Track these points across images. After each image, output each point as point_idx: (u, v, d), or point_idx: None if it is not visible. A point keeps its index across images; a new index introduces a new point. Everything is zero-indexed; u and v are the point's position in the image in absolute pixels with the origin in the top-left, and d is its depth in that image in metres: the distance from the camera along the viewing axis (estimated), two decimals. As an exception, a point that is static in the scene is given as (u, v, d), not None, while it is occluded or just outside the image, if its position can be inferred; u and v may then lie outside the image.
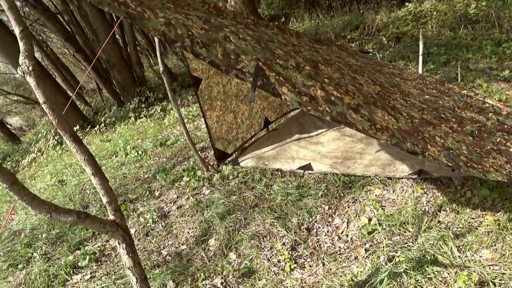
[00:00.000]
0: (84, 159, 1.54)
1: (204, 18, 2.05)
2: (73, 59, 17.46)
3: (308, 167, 3.98)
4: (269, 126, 5.26)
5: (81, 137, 6.63)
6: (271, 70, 1.95)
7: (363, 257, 2.67)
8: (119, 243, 1.61)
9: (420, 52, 4.62)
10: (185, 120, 6.97)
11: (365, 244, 2.78)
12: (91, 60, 11.47)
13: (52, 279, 3.65)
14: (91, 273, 3.54)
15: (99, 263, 3.67)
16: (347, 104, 2.05)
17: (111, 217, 1.61)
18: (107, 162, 6.11)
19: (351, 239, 2.89)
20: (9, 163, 9.30)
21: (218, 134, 4.53)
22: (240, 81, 4.64)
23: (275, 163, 4.24)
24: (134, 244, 1.70)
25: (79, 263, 3.72)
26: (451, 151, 2.13)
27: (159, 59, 3.99)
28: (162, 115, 7.99)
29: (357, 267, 2.60)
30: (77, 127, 8.98)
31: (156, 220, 3.91)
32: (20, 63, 1.41)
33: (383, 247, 2.66)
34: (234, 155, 4.78)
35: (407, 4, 9.39)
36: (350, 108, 2.02)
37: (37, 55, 11.57)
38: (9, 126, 19.24)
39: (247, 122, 4.91)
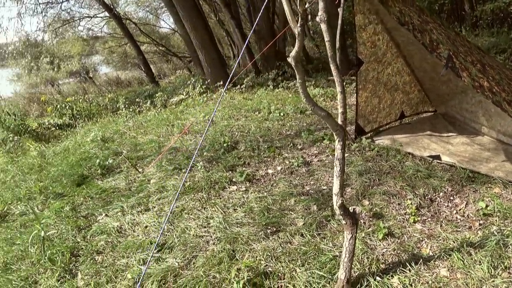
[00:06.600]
0: (338, 81, 2.41)
1: (418, 13, 2.84)
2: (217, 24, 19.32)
3: (437, 157, 4.61)
4: (403, 120, 5.90)
5: (225, 92, 7.84)
6: (456, 59, 2.68)
7: (476, 228, 3.31)
8: (338, 141, 2.47)
9: None
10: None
11: (479, 220, 3.41)
12: (241, 27, 12.77)
13: (213, 184, 4.73)
14: (245, 187, 4.57)
15: (251, 183, 4.69)
16: (503, 97, 2.72)
17: (340, 122, 2.48)
18: (251, 115, 7.21)
19: (468, 215, 3.53)
20: (156, 99, 10.93)
21: (362, 112, 5.31)
22: (391, 72, 5.34)
23: (408, 148, 4.92)
24: (346, 145, 2.51)
25: (234, 179, 4.78)
26: None
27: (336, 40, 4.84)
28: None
29: (469, 233, 3.25)
30: (221, 82, 10.31)
31: (299, 164, 4.83)
32: (320, 14, 2.30)
33: (497, 224, 3.26)
34: (369, 134, 5.53)
35: None
36: (505, 101, 2.69)
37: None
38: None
39: (387, 110, 5.61)
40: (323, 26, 2.32)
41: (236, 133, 6.40)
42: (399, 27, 3.81)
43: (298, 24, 2.11)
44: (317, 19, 2.34)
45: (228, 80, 3.42)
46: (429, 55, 3.99)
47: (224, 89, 3.60)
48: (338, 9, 4.32)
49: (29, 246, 4.08)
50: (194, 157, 3.77)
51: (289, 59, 2.24)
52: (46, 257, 3.79)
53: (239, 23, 12.62)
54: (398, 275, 2.85)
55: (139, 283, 3.06)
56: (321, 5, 2.33)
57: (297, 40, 2.16)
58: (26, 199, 5.47)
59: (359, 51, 4.89)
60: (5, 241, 4.39)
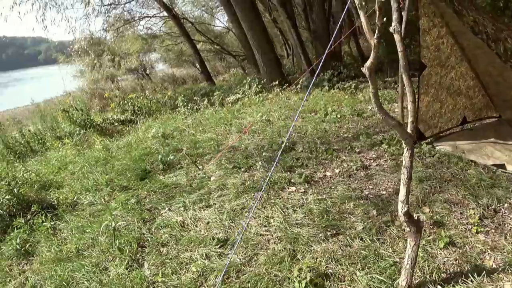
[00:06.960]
0: (410, 91, 2.46)
1: (492, 21, 2.82)
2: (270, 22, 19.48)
3: (501, 166, 4.47)
4: (465, 125, 5.75)
5: (279, 92, 7.95)
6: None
7: (545, 243, 3.21)
8: (407, 149, 2.51)
9: None
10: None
11: (547, 235, 3.30)
12: (296, 27, 12.82)
13: (273, 184, 4.84)
14: (304, 189, 4.66)
15: (309, 184, 4.77)
16: None
17: (409, 131, 2.53)
18: (307, 116, 7.28)
19: (535, 229, 3.43)
20: (215, 97, 11.21)
21: (423, 116, 5.23)
22: (454, 76, 5.24)
23: (470, 155, 4.80)
24: (414, 154, 2.54)
25: (292, 180, 4.87)
26: None
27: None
28: (354, 91, 8.89)
29: (537, 247, 3.17)
30: (276, 82, 10.43)
31: (358, 168, 4.86)
32: (393, 25, 2.36)
33: None
34: (429, 139, 5.44)
35: None
36: None
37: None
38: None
39: (448, 115, 5.49)
40: (397, 37, 2.38)
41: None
42: (465, 31, 3.76)
43: (375, 36, 2.18)
44: (391, 29, 2.39)
45: (312, 81, 3.50)
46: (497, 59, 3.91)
47: (308, 92, 3.69)
48: (402, 12, 4.31)
49: (99, 235, 4.40)
50: (277, 159, 3.91)
51: (363, 69, 2.32)
52: (116, 246, 4.08)
53: (294, 22, 12.67)
54: (460, 285, 2.84)
55: (222, 274, 3.25)
56: (394, 15, 2.38)
57: (372, 52, 2.23)
58: (94, 190, 5.85)
59: (422, 55, 4.84)
60: (76, 229, 4.75)
